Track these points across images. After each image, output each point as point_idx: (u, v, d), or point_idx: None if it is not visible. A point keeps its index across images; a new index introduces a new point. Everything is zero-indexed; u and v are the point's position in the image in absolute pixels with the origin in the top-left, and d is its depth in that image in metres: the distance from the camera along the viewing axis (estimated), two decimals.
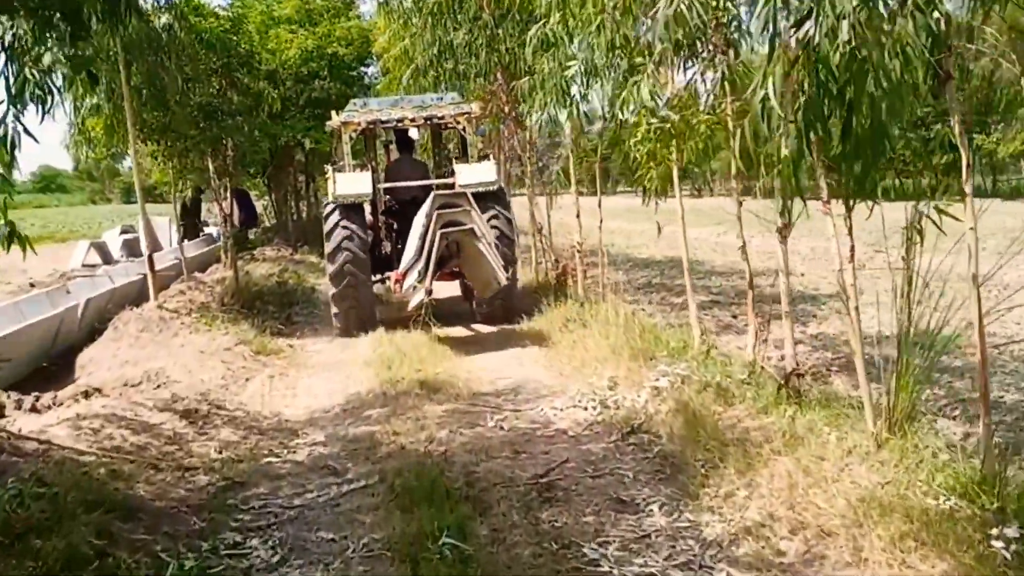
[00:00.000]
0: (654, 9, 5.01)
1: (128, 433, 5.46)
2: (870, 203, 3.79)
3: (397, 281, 8.80)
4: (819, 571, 3.44)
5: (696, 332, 6.81)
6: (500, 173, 14.22)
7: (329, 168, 10.49)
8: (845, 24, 3.12)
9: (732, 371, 5.85)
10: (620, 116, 8.08)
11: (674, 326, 8.76)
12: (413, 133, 11.70)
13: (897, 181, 7.76)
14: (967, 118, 3.57)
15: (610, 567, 3.61)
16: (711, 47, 5.99)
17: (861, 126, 2.96)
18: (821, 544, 3.57)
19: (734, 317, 10.10)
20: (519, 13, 10.14)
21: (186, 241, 18.95)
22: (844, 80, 2.94)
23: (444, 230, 8.31)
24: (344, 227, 9.44)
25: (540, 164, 12.53)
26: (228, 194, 13.58)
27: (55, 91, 5.84)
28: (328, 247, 9.59)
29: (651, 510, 4.19)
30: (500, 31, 10.57)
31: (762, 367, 5.88)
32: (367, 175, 10.12)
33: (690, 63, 6.36)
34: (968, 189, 3.58)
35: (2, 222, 4.05)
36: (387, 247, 10.72)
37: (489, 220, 9.34)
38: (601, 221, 8.83)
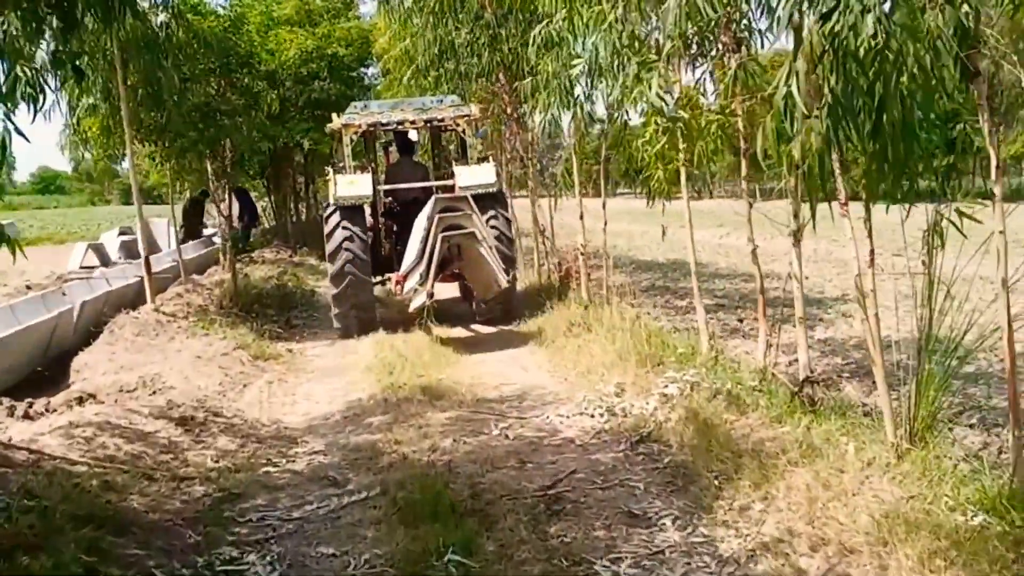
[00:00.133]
0: (664, 5, 4.86)
1: (122, 442, 5.30)
2: (902, 205, 3.60)
3: (398, 283, 8.88)
4: None
5: (704, 337, 6.67)
6: (502, 174, 14.22)
7: (329, 170, 10.48)
8: (870, 18, 2.98)
9: (742, 378, 5.71)
10: (625, 117, 7.96)
11: (679, 330, 8.63)
12: (413, 135, 11.72)
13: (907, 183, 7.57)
14: (995, 117, 3.42)
15: None
16: (720, 46, 5.86)
17: (892, 123, 2.80)
18: (844, 562, 3.41)
19: (740, 321, 9.95)
20: (521, 12, 10.02)
21: (188, 242, 18.86)
22: (874, 74, 2.79)
23: (445, 233, 8.40)
24: (345, 228, 9.48)
25: (540, 166, 12.44)
26: (227, 195, 13.43)
27: (47, 89, 5.71)
28: (329, 248, 9.66)
29: (664, 524, 4.03)
30: (502, 31, 10.42)
31: (773, 374, 5.74)
32: (367, 177, 10.16)
33: (699, 62, 6.24)
34: (997, 191, 3.44)
35: None
36: (387, 248, 10.75)
37: (489, 222, 9.39)
38: (605, 223, 8.68)
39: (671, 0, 4.59)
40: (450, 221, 8.50)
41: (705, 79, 6.03)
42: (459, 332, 10.03)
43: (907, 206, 3.58)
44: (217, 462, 5.28)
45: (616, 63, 6.04)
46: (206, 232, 20.00)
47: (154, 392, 6.66)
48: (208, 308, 10.28)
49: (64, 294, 10.60)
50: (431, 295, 8.52)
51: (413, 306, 8.75)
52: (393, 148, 12.36)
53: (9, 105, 4.59)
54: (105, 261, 17.55)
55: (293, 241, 20.83)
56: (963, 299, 4.21)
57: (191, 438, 5.67)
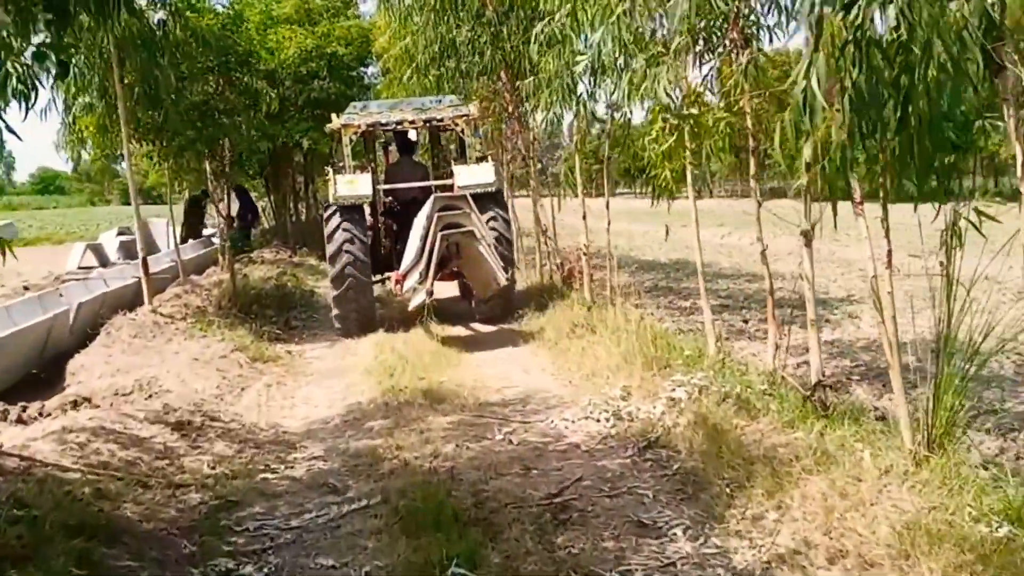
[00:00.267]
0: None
1: (116, 447, 5.16)
2: (933, 204, 3.47)
3: (398, 282, 8.92)
4: None
5: (711, 339, 6.53)
6: (504, 174, 14.13)
7: (329, 170, 10.48)
8: (892, 9, 2.85)
9: (751, 381, 5.57)
10: (628, 115, 7.83)
11: (684, 332, 8.50)
12: (412, 135, 11.84)
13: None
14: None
15: None
16: (727, 42, 5.73)
17: (918, 116, 2.68)
18: None
19: (745, 322, 9.83)
20: (523, 10, 9.91)
21: (190, 242, 18.72)
22: (900, 66, 2.66)
23: (444, 232, 8.45)
24: (345, 230, 9.54)
25: (541, 165, 12.34)
26: (226, 195, 13.30)
27: (40, 87, 5.58)
28: (329, 250, 9.72)
29: (674, 534, 3.90)
30: (504, 28, 10.30)
31: (783, 377, 5.60)
32: (367, 177, 10.24)
33: (706, 58, 6.11)
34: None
35: None
36: (387, 248, 10.82)
37: (488, 221, 9.46)
38: (609, 223, 8.54)
39: None
40: (449, 220, 8.54)
41: (712, 76, 5.92)
42: (459, 331, 10.02)
43: (937, 205, 3.43)
44: (214, 468, 5.14)
45: (622, 59, 5.94)
46: (206, 232, 19.87)
47: (150, 396, 6.53)
48: (206, 309, 10.15)
49: (61, 295, 10.48)
50: (430, 293, 8.54)
51: (412, 305, 8.75)
52: (393, 148, 12.45)
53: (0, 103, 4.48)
54: (104, 261, 17.43)
55: (293, 241, 20.69)
56: (982, 301, 4.08)
57: (187, 443, 5.53)
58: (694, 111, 4.77)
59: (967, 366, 4.09)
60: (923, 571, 3.11)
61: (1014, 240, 3.55)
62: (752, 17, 5.59)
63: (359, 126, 10.59)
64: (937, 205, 3.50)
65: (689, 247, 17.77)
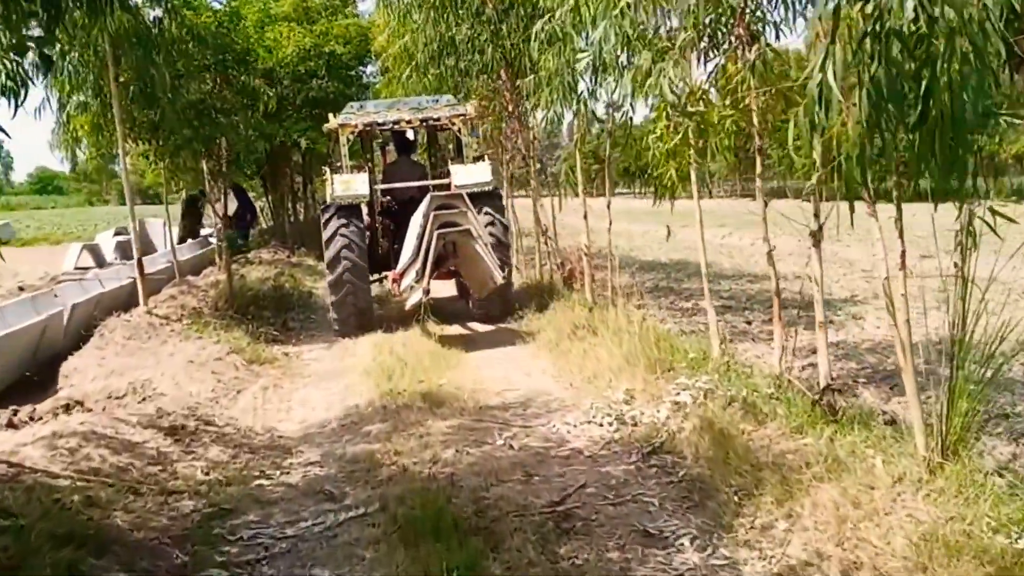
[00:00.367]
0: None
1: (108, 453, 5.03)
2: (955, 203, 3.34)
3: (395, 281, 8.95)
4: None
5: (715, 341, 6.40)
6: (505, 173, 14.05)
7: (326, 170, 10.61)
8: (909, 2, 2.74)
9: (758, 384, 5.44)
10: (630, 113, 7.70)
11: (687, 333, 8.39)
12: (410, 135, 11.93)
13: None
14: None
15: None
16: (733, 39, 5.61)
17: (940, 111, 2.55)
18: None
19: (748, 323, 9.70)
20: (523, 7, 9.80)
21: (188, 242, 18.59)
22: (921, 58, 2.54)
23: (441, 231, 8.52)
24: (343, 235, 9.56)
25: (541, 164, 12.24)
26: (223, 194, 13.17)
27: (30, 83, 5.46)
28: (327, 255, 9.74)
29: (682, 544, 3.78)
30: (504, 26, 10.19)
31: (789, 380, 5.48)
32: (364, 176, 10.27)
33: (711, 55, 5.98)
34: None
35: None
36: (385, 247, 10.88)
37: (484, 220, 9.52)
38: (610, 223, 8.42)
39: None
40: (445, 219, 8.59)
41: (716, 73, 5.80)
42: (457, 330, 10.02)
43: (957, 204, 3.31)
44: (207, 474, 5.02)
45: (626, 54, 5.82)
46: (203, 232, 19.73)
47: (144, 399, 6.41)
48: (202, 310, 10.02)
49: (55, 296, 10.36)
50: (427, 292, 8.60)
51: (409, 303, 8.77)
52: (391, 147, 12.56)
53: None
54: (100, 262, 17.31)
55: (291, 241, 20.57)
56: (996, 303, 3.96)
57: (181, 448, 5.41)
58: (701, 108, 4.64)
59: (983, 370, 3.97)
60: None
61: None
62: (759, 13, 5.49)
63: (356, 126, 10.66)
64: (957, 204, 3.37)
65: (690, 247, 17.71)
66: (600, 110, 8.19)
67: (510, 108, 11.20)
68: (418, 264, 8.39)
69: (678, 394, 5.53)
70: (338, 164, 10.63)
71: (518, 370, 7.66)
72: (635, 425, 5.43)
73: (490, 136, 13.20)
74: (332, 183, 10.01)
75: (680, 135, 4.83)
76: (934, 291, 4.32)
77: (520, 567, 3.55)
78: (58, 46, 8.56)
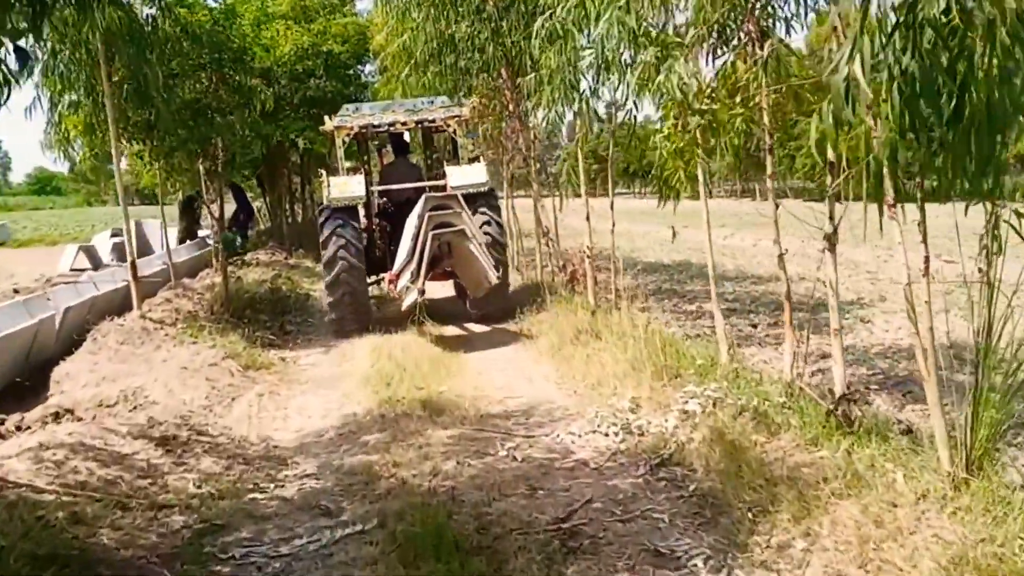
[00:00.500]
0: None
1: (96, 466, 4.85)
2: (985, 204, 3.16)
3: (391, 281, 9.05)
4: None
5: (723, 347, 6.22)
6: (505, 173, 13.92)
7: (323, 172, 10.62)
8: None
9: (768, 392, 5.26)
10: (634, 113, 7.52)
11: (691, 337, 8.21)
12: (406, 136, 12.12)
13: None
14: None
15: None
16: (741, 35, 5.43)
17: (976, 107, 2.37)
18: None
19: (753, 327, 9.53)
20: (524, 4, 9.63)
21: (186, 243, 18.39)
22: (957, 50, 2.36)
23: (436, 231, 8.58)
24: (340, 236, 9.63)
25: (541, 164, 12.09)
26: (218, 196, 12.99)
27: (13, 81, 5.27)
28: (324, 256, 9.81)
29: (694, 565, 3.60)
30: (504, 24, 10.01)
31: (801, 388, 5.30)
32: (360, 178, 10.47)
33: (719, 52, 5.80)
34: None
35: None
36: (382, 248, 10.94)
37: (479, 221, 9.61)
38: (614, 224, 8.24)
39: None
40: (440, 219, 8.65)
41: (725, 70, 5.62)
42: (454, 331, 10.04)
43: (990, 205, 3.13)
44: (199, 487, 4.83)
45: (631, 51, 5.64)
46: (201, 233, 19.53)
47: (135, 407, 6.22)
48: (198, 314, 9.83)
49: (48, 299, 10.17)
50: (422, 292, 8.60)
51: (405, 304, 8.79)
52: (388, 149, 12.70)
53: None
54: (96, 264, 17.12)
55: (288, 242, 20.36)
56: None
57: (172, 460, 5.22)
58: (714, 106, 4.46)
59: (1010, 379, 3.79)
60: None
61: None
62: (769, 8, 5.31)
63: (352, 128, 10.78)
64: (986, 206, 3.19)
65: (692, 248, 17.53)
66: (601, 109, 8.05)
67: (510, 107, 11.03)
68: (413, 265, 8.42)
69: (686, 402, 5.34)
70: (335, 166, 10.75)
71: (520, 376, 7.48)
72: (642, 435, 5.25)
73: (490, 136, 13.03)
74: (329, 185, 10.10)
75: (690, 134, 4.64)
76: (943, 295, 4.15)
77: None
78: (48, 44, 8.39)
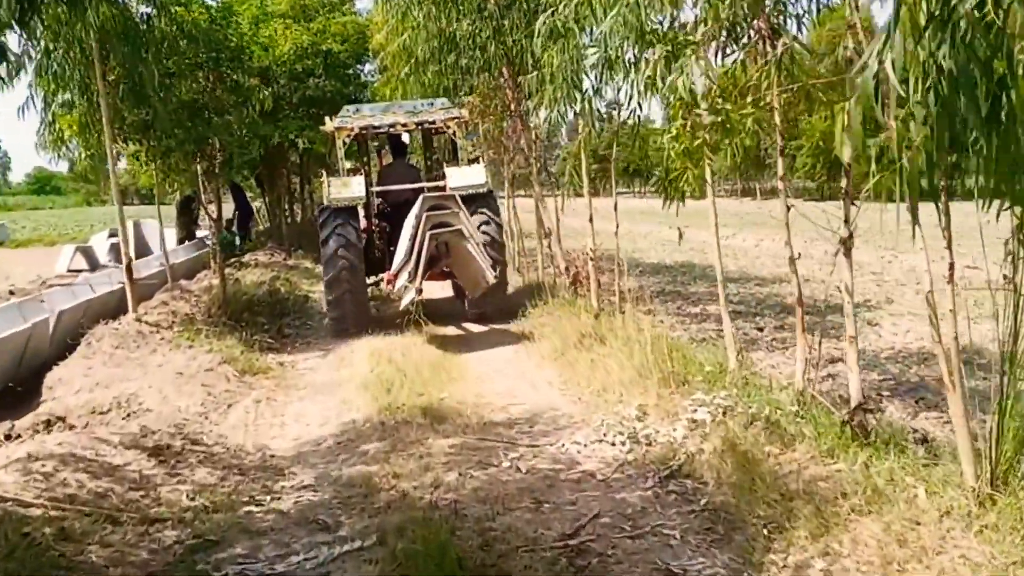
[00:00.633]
0: None
1: (86, 477, 4.69)
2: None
3: (389, 281, 9.18)
4: None
5: (732, 353, 6.06)
6: (506, 173, 13.78)
7: (324, 173, 10.56)
8: None
9: (780, 401, 5.10)
10: (639, 112, 7.36)
11: (697, 341, 8.05)
12: (404, 138, 12.30)
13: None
14: None
15: None
16: (752, 33, 5.27)
17: (1017, 106, 2.22)
18: None
19: (759, 330, 9.38)
20: (526, 1, 9.48)
21: (185, 244, 18.21)
22: (996, 45, 2.20)
23: (433, 231, 8.59)
24: (339, 236, 9.68)
25: (541, 164, 11.97)
26: (215, 196, 12.83)
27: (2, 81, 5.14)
28: (324, 255, 9.87)
29: None
30: (506, 22, 9.85)
31: (813, 396, 5.14)
32: (360, 179, 10.51)
33: (729, 49, 5.64)
34: None
35: None
36: (381, 249, 10.97)
37: (477, 221, 9.63)
38: (617, 226, 8.07)
39: None
40: (438, 219, 8.68)
41: (735, 69, 5.46)
42: (452, 331, 10.01)
43: (1019, 209, 2.98)
44: (193, 500, 4.67)
45: (635, 50, 5.48)
46: (200, 233, 19.36)
47: (128, 415, 6.07)
48: (194, 317, 9.66)
49: (42, 301, 10.00)
50: (420, 291, 8.66)
51: (403, 303, 8.78)
52: (387, 150, 12.88)
53: None
54: (94, 264, 16.94)
55: (288, 243, 20.19)
56: None
57: (165, 471, 5.06)
58: (727, 106, 4.30)
59: None
60: None
61: None
62: (780, 4, 5.15)
63: (352, 129, 10.82)
64: (1015, 210, 3.04)
65: (695, 249, 17.32)
66: (601, 108, 7.92)
67: (512, 107, 10.88)
68: (411, 264, 8.43)
69: (695, 411, 5.19)
70: (335, 166, 10.75)
71: (523, 381, 7.32)
72: (649, 444, 5.09)
73: (491, 136, 12.89)
74: (328, 185, 10.15)
75: (702, 135, 4.47)
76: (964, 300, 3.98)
77: None
78: (42, 43, 8.22)
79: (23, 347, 8.38)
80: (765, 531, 3.75)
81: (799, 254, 5.16)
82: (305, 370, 8.49)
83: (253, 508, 4.61)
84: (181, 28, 9.52)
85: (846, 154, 4.00)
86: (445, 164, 11.53)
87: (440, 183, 10.66)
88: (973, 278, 5.09)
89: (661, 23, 5.32)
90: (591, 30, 6.36)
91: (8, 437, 5.83)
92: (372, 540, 3.99)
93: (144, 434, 5.47)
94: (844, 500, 3.70)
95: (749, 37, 5.27)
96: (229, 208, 21.30)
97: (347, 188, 10.04)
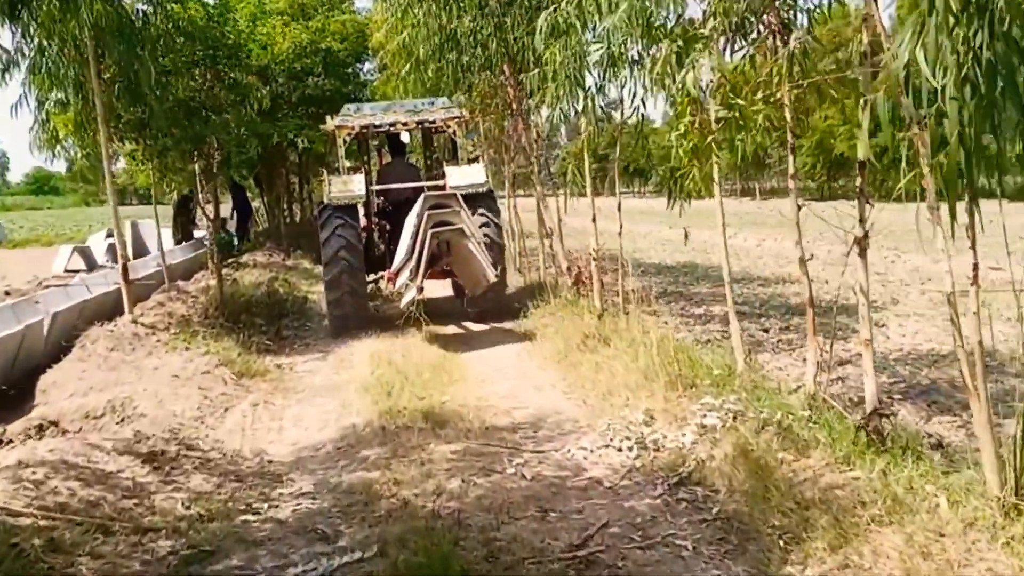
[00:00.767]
0: None
1: (78, 485, 4.55)
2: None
3: (390, 280, 9.27)
4: None
5: (740, 355, 5.93)
6: (507, 172, 13.67)
7: (324, 171, 10.63)
8: None
9: (791, 405, 4.96)
10: (643, 110, 7.23)
11: (702, 343, 7.91)
12: (404, 137, 12.28)
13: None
14: None
15: None
16: (761, 27, 5.14)
17: None
18: None
19: (765, 331, 9.23)
20: None
21: (183, 244, 18.07)
22: None
23: (435, 230, 8.56)
24: (339, 235, 9.70)
25: (543, 163, 11.87)
26: (213, 196, 12.69)
27: None
28: (324, 254, 9.88)
29: None
30: (507, 19, 9.72)
31: (825, 399, 5.01)
32: (360, 178, 10.55)
33: (738, 44, 5.51)
34: None
35: None
36: (381, 248, 10.98)
37: (478, 220, 9.63)
38: (621, 226, 7.94)
39: None
40: (439, 218, 8.68)
41: (744, 64, 5.33)
42: (452, 330, 10.01)
43: None
44: (188, 508, 4.53)
45: (641, 45, 5.36)
46: (198, 234, 19.22)
47: (122, 420, 5.92)
48: (191, 318, 9.51)
49: (37, 303, 9.86)
50: (421, 290, 8.65)
51: (404, 301, 8.81)
52: (387, 149, 12.83)
53: None
54: (91, 265, 16.80)
55: (286, 243, 20.04)
56: None
57: (160, 478, 4.92)
58: (740, 102, 4.17)
59: None
60: None
61: None
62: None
63: (353, 128, 10.88)
64: None
65: (696, 249, 17.16)
66: (603, 108, 7.84)
67: (513, 105, 10.75)
68: (412, 263, 8.44)
69: (704, 416, 5.06)
70: (336, 165, 10.81)
71: (526, 383, 7.18)
72: (657, 450, 4.96)
73: (492, 134, 12.77)
74: (329, 183, 10.19)
75: (717, 130, 4.34)
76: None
77: None
78: (35, 40, 8.08)
79: (16, 349, 8.25)
80: (781, 542, 3.62)
81: (812, 255, 5.01)
82: (304, 372, 8.35)
83: (250, 517, 4.47)
84: (177, 25, 9.40)
85: (862, 152, 3.87)
86: (445, 163, 11.59)
87: (440, 182, 10.64)
88: (996, 279, 4.96)
89: (668, 18, 5.22)
90: (594, 26, 6.24)
91: (1, 441, 5.69)
92: (373, 551, 3.86)
93: (138, 439, 5.33)
94: (863, 509, 3.57)
95: (759, 32, 5.15)
96: (228, 208, 21.15)
97: (347, 186, 10.09)
